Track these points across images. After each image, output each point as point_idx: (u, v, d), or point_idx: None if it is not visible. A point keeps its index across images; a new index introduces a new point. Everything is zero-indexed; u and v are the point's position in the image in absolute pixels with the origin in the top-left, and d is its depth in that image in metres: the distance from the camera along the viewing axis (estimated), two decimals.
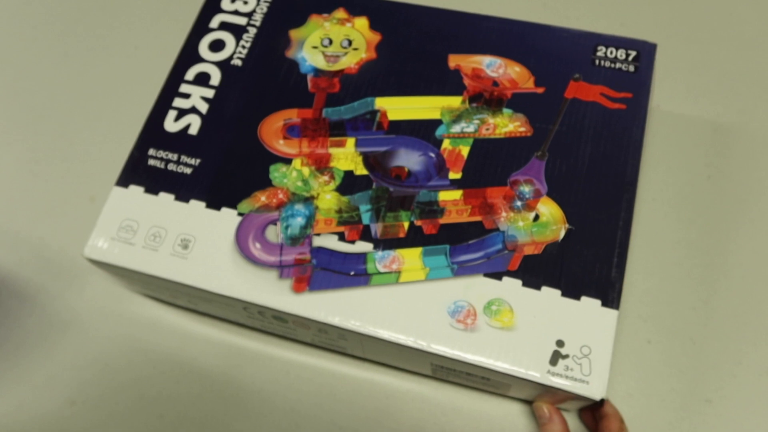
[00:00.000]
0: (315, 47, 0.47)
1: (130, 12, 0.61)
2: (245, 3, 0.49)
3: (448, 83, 0.45)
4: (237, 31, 0.48)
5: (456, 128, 0.43)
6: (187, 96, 0.46)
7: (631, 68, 0.44)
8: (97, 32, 0.60)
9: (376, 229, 0.41)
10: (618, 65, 0.44)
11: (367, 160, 0.43)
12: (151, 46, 0.59)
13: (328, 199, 0.42)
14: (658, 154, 0.51)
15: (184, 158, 0.44)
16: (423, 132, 0.44)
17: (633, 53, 0.45)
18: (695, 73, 0.55)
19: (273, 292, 0.40)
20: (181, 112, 0.46)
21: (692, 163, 0.51)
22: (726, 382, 0.44)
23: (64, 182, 0.53)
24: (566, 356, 0.37)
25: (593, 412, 0.42)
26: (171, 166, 0.44)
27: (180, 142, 0.45)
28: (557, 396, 0.39)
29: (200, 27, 0.49)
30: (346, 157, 0.43)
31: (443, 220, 0.41)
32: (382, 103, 0.45)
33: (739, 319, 0.46)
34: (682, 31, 0.57)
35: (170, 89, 0.47)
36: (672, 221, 0.49)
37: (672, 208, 0.49)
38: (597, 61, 0.45)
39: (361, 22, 0.48)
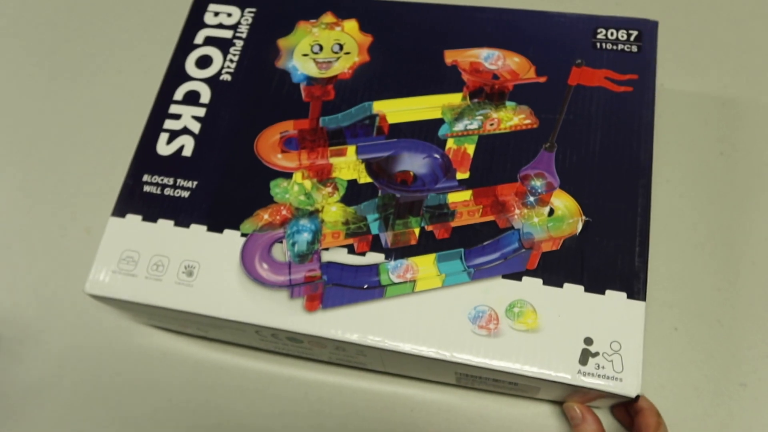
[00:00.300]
0: (305, 55, 0.45)
1: (108, 36, 0.59)
2: (229, 15, 0.48)
3: (446, 80, 0.43)
4: (223, 45, 0.47)
5: (459, 126, 0.42)
6: (177, 117, 0.45)
7: (634, 48, 0.43)
8: (76, 60, 0.58)
9: (386, 238, 0.40)
10: (620, 47, 0.43)
11: (371, 167, 0.41)
12: (134, 68, 0.58)
13: (334, 212, 0.40)
14: (668, 134, 0.49)
15: (180, 182, 0.43)
16: (425, 133, 0.42)
17: (634, 33, 0.43)
18: (696, 48, 0.53)
19: (285, 314, 0.38)
20: (173, 134, 0.44)
21: (703, 140, 0.49)
22: (759, 363, 0.43)
23: (58, 216, 0.52)
24: (596, 354, 0.36)
25: (627, 407, 0.40)
26: (168, 191, 0.42)
27: (174, 165, 0.43)
28: (589, 395, 0.38)
29: (185, 44, 0.47)
30: (348, 166, 0.42)
31: (455, 223, 0.39)
32: (380, 106, 0.43)
33: (766, 295, 0.44)
34: (678, 5, 0.55)
35: (160, 111, 0.45)
36: (688, 201, 0.47)
37: (687, 188, 0.48)
38: (598, 45, 0.43)
39: (351, 25, 0.46)
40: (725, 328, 0.44)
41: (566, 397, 0.40)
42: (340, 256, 0.39)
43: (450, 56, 0.44)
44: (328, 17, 0.46)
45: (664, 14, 0.53)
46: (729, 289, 0.45)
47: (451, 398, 0.43)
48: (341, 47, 0.45)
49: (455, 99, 0.43)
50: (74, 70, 0.58)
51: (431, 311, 0.37)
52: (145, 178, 0.43)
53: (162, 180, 0.43)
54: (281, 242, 0.40)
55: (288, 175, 0.42)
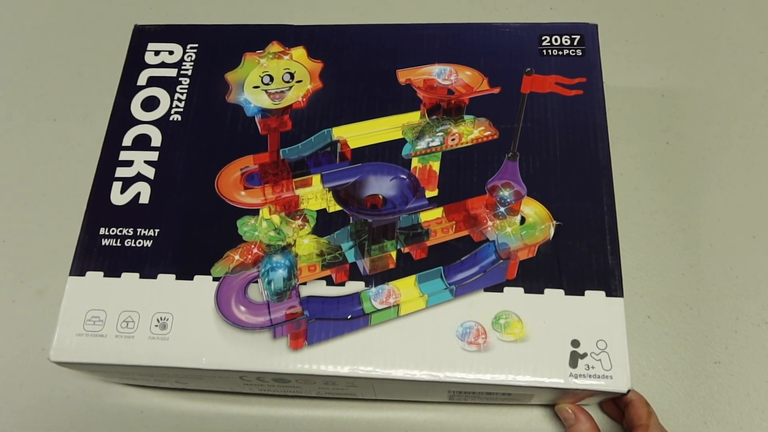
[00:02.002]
0: (256, 87, 0.44)
1: (36, 83, 0.56)
2: (171, 53, 0.46)
3: (402, 100, 0.43)
4: (168, 84, 0.45)
5: (421, 145, 0.42)
6: (129, 163, 0.43)
7: (579, 52, 0.44)
8: (5, 111, 0.55)
9: (364, 264, 0.39)
10: (566, 51, 0.44)
11: (338, 194, 0.41)
12: (69, 115, 0.55)
13: (307, 244, 0.40)
14: (616, 129, 0.51)
15: (140, 231, 0.41)
16: (389, 155, 0.42)
17: (577, 37, 0.45)
18: (632, 44, 0.55)
19: (270, 356, 0.37)
20: (127, 182, 0.42)
21: (650, 132, 0.51)
22: (729, 340, 0.45)
23: (5, 282, 0.48)
24: (584, 355, 0.36)
25: (616, 401, 0.41)
26: (128, 242, 0.40)
27: (132, 214, 0.41)
28: (580, 395, 0.38)
29: (127, 86, 0.45)
30: (316, 195, 0.41)
31: (430, 242, 0.39)
32: (339, 132, 0.42)
33: (726, 274, 0.46)
34: (607, 5, 0.57)
35: (109, 159, 0.43)
36: (644, 192, 0.49)
37: (641, 180, 0.49)
38: (545, 51, 0.44)
39: (299, 53, 0.45)
40: (694, 310, 0.46)
41: (558, 399, 0.41)
42: (319, 289, 0.39)
43: (403, 75, 0.44)
44: (275, 47, 0.46)
45: (597, 14, 0.56)
46: (692, 272, 0.47)
47: (444, 415, 0.43)
48: (292, 76, 0.44)
49: (414, 117, 0.43)
50: (3, 124, 0.55)
51: (419, 333, 0.37)
52: (102, 231, 0.41)
53: (120, 231, 0.41)
54: (256, 282, 0.39)
55: (254, 212, 0.41)
